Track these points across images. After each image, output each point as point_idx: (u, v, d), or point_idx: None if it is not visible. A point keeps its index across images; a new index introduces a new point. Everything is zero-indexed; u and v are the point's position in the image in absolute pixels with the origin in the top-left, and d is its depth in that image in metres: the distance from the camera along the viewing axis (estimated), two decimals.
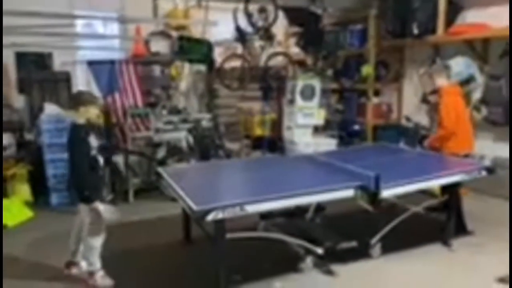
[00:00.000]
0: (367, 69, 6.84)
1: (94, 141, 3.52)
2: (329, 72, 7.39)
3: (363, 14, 6.91)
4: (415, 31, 6.06)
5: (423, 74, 6.28)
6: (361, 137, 6.87)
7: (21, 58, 6.84)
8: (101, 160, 3.60)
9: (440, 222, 4.39)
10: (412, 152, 5.27)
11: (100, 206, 3.44)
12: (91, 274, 3.62)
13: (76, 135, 3.44)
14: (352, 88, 7.30)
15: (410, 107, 6.95)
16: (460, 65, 5.62)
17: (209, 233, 3.60)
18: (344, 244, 3.87)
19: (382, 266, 3.84)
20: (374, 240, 3.96)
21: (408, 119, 6.57)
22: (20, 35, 6.60)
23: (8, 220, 5.01)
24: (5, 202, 5.21)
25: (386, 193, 3.63)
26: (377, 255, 3.95)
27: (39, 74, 6.78)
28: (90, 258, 3.59)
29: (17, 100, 6.91)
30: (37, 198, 5.80)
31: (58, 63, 7.26)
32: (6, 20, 6.20)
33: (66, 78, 6.90)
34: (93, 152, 3.49)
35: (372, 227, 4.01)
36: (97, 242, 3.58)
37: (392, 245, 3.99)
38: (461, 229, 4.41)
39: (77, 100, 3.52)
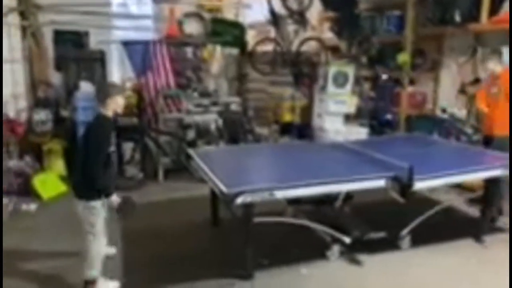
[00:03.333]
0: (403, 57, 6.61)
1: (113, 138, 3.27)
2: (363, 59, 7.20)
3: (401, 0, 6.66)
4: (457, 18, 5.80)
5: (463, 63, 6.04)
6: (393, 127, 6.70)
7: (59, 36, 6.98)
8: (114, 157, 3.37)
9: (474, 217, 4.27)
10: (447, 144, 5.12)
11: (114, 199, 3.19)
12: (91, 283, 3.23)
13: (103, 129, 3.18)
14: (386, 76, 7.10)
15: (446, 97, 6.71)
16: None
17: (237, 216, 3.62)
18: (372, 235, 3.82)
19: (410, 259, 3.78)
20: (403, 232, 3.89)
21: (444, 110, 6.35)
22: (59, 13, 6.74)
23: (43, 193, 5.21)
24: (41, 175, 5.41)
25: (419, 185, 3.55)
26: (406, 247, 3.89)
27: (75, 52, 6.91)
28: (92, 263, 3.23)
29: (54, 78, 7.09)
30: (71, 172, 5.98)
31: (94, 42, 7.38)
32: None
33: (101, 57, 7.01)
34: (110, 149, 3.21)
35: (402, 219, 3.94)
36: (98, 243, 3.24)
37: (422, 238, 3.91)
38: (497, 226, 4.28)
39: (104, 93, 3.28)
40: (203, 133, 6.43)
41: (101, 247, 3.31)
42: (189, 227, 4.47)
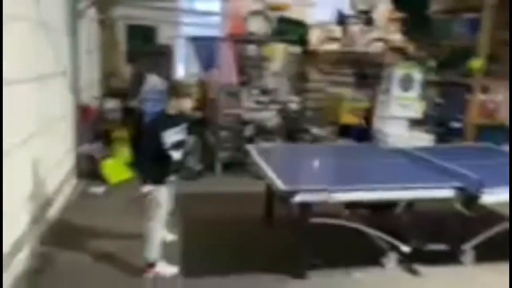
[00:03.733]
0: (476, 63, 6.25)
1: (172, 136, 3.32)
2: (432, 62, 6.88)
3: (478, 2, 6.28)
4: None
5: None
6: (461, 135, 6.35)
7: (132, 30, 7.37)
8: (175, 155, 3.40)
9: None
10: None
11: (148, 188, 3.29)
12: (152, 265, 3.42)
13: (152, 127, 3.37)
14: (456, 82, 6.74)
15: None
16: None
17: (292, 215, 3.63)
18: (433, 246, 3.67)
19: (472, 275, 3.59)
20: (467, 246, 3.69)
21: None
22: (132, 7, 7.12)
23: (111, 177, 5.55)
24: (109, 161, 5.75)
25: (488, 198, 3.36)
26: (469, 263, 3.69)
27: (146, 46, 7.26)
28: (153, 247, 3.40)
29: (125, 70, 7.50)
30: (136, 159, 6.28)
31: (163, 37, 7.72)
32: None
33: (168, 52, 7.32)
34: (166, 146, 3.29)
35: (467, 232, 3.74)
36: (154, 227, 3.38)
37: (487, 254, 3.69)
38: None
39: (173, 91, 3.40)
40: (261, 130, 6.51)
41: (160, 232, 3.46)
42: (244, 221, 4.54)
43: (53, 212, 4.45)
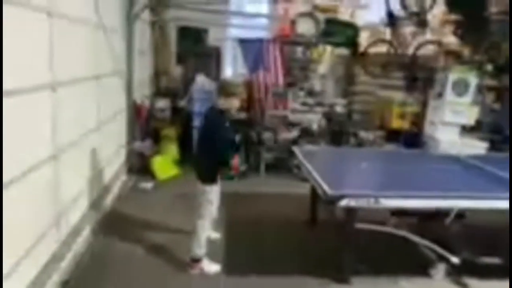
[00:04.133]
0: None
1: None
2: (489, 66, 6.54)
3: None
4: None
5: None
6: None
7: (182, 32, 7.57)
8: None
9: None
10: None
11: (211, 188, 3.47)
12: (196, 261, 3.51)
13: (222, 120, 3.42)
14: None
15: None
16: None
17: (337, 218, 3.60)
18: (485, 259, 3.50)
19: None
20: None
21: None
22: (183, 10, 7.31)
23: (159, 174, 5.74)
24: (157, 158, 5.93)
25: None
26: None
27: (195, 47, 7.42)
28: (200, 243, 3.49)
29: (175, 70, 7.72)
30: (183, 157, 6.44)
31: (212, 38, 7.85)
32: None
33: (217, 53, 7.45)
34: (231, 137, 3.47)
35: None
36: (203, 224, 3.49)
37: None
38: None
39: (220, 90, 3.52)
40: (306, 132, 6.49)
41: (207, 229, 3.55)
42: (287, 222, 4.56)
43: (107, 203, 4.68)
